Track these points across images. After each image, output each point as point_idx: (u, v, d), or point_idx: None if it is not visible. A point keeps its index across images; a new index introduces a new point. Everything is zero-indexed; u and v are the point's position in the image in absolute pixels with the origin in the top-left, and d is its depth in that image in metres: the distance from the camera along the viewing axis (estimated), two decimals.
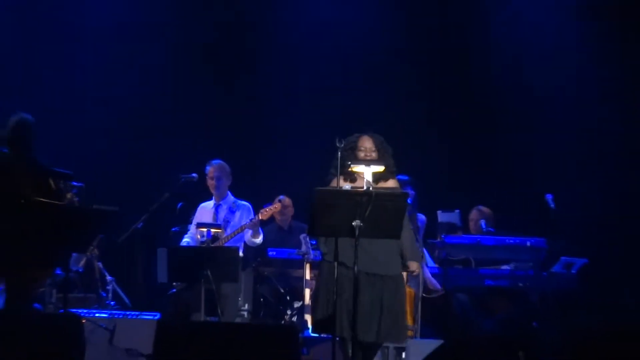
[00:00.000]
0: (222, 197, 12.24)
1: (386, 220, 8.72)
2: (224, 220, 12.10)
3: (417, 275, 11.20)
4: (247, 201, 12.30)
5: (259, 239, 12.09)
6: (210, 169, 12.20)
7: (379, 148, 9.34)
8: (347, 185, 9.05)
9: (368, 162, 9.15)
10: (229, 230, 11.90)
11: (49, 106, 14.10)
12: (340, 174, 9.11)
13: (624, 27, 14.14)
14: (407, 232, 9.29)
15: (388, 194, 8.81)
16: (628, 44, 14.10)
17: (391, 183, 9.40)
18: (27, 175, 9.41)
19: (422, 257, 11.94)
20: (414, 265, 9.44)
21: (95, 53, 14.89)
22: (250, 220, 11.87)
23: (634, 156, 13.85)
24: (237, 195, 12.39)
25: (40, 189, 9.41)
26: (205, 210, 12.29)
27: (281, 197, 13.00)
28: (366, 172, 9.16)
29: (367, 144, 9.31)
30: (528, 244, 12.22)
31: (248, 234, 11.93)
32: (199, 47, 15.06)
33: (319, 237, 10.38)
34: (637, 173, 13.79)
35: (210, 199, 12.31)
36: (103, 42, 14.96)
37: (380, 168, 9.14)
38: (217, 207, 12.24)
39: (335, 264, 8.85)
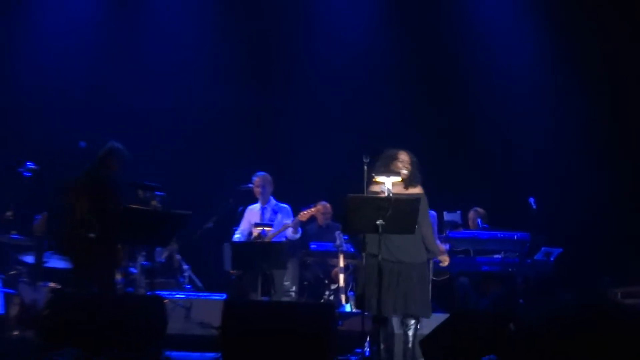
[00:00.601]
0: (266, 202, 12.29)
1: (403, 219, 8.73)
2: (269, 220, 12.17)
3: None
4: (287, 204, 12.36)
5: (297, 235, 12.16)
6: (255, 180, 12.28)
7: (412, 161, 9.34)
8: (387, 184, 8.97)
9: (389, 174, 9.16)
10: (274, 229, 11.96)
11: (135, 125, 14.19)
12: (378, 183, 9.08)
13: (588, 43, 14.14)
14: (429, 231, 9.32)
15: (404, 200, 8.82)
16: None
17: (418, 189, 9.33)
18: (94, 189, 9.45)
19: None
20: (445, 260, 9.68)
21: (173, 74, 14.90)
22: (292, 220, 11.95)
23: (601, 163, 13.78)
24: (281, 198, 12.45)
25: (124, 199, 9.49)
26: (253, 212, 12.35)
27: (323, 202, 13.05)
28: (387, 182, 9.17)
29: (404, 157, 9.31)
30: (515, 237, 12.16)
31: (289, 230, 11.99)
32: (251, 70, 14.98)
33: (351, 233, 10.45)
34: (603, 177, 13.73)
35: (256, 202, 12.37)
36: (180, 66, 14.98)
37: (397, 179, 9.14)
38: (262, 210, 12.28)
39: (364, 254, 8.92)
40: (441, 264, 9.55)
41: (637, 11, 13.72)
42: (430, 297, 9.34)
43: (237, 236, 12.26)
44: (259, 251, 11.17)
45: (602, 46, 14.02)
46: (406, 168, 9.26)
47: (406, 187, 9.26)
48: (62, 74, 14.31)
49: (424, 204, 9.23)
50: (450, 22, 14.94)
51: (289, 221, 12.01)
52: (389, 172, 9.12)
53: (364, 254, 9.00)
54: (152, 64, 14.85)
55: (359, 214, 8.77)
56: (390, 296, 8.88)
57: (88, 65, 14.51)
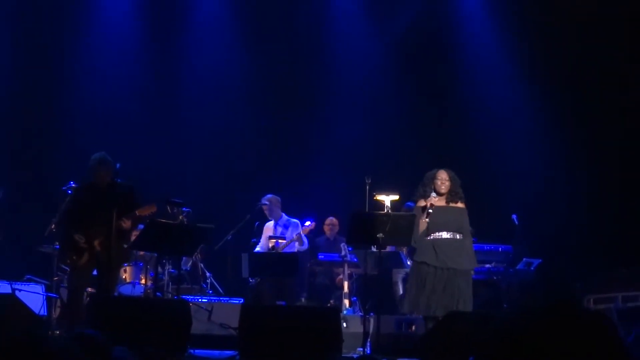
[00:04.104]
0: (277, 219, 12.38)
1: (400, 233, 8.80)
2: (281, 234, 12.24)
3: None
4: (297, 218, 12.42)
5: (304, 247, 12.22)
6: (263, 202, 12.36)
7: (451, 179, 9.22)
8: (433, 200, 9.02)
9: (388, 193, 9.21)
10: (284, 241, 12.07)
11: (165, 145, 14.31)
12: (424, 199, 9.07)
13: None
14: (470, 242, 9.34)
15: (401, 215, 8.90)
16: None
17: (460, 204, 9.25)
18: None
19: None
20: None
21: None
22: (297, 234, 12.03)
23: (575, 184, 13.81)
24: (296, 213, 12.52)
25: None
26: (268, 228, 12.45)
27: (330, 217, 13.14)
28: (386, 200, 9.22)
29: (443, 175, 9.19)
30: (500, 249, 12.23)
31: (296, 243, 12.08)
32: (272, 100, 15.02)
33: (355, 245, 10.47)
34: (577, 195, 13.75)
35: (271, 219, 12.46)
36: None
37: (396, 197, 9.22)
38: (275, 225, 12.38)
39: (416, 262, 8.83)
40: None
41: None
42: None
43: (257, 249, 12.34)
44: (272, 261, 11.27)
45: (570, 67, 14.10)
46: (444, 185, 9.15)
47: (447, 202, 9.21)
48: (101, 99, 14.38)
49: (466, 217, 9.24)
50: (447, 63, 15.03)
51: (294, 236, 12.11)
52: (431, 191, 9.08)
53: (416, 262, 9.05)
54: (182, 91, 14.95)
55: (361, 228, 8.83)
56: (446, 299, 8.88)
57: (125, 90, 14.55)
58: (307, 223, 12.21)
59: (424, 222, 8.99)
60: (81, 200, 9.42)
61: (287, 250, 11.91)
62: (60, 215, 9.79)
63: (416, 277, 9.06)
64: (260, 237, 12.57)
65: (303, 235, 12.10)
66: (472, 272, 9.54)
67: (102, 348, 3.56)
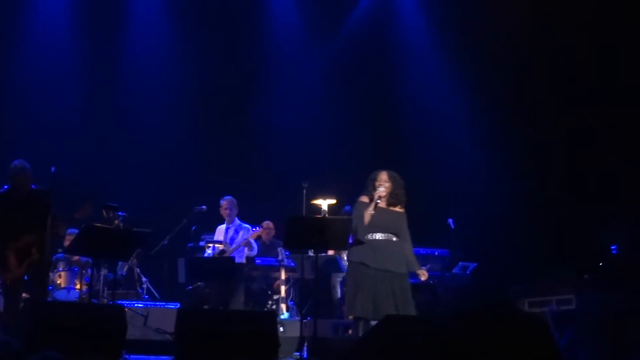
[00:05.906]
0: (231, 222, 12.27)
1: (336, 236, 8.80)
2: (231, 238, 12.15)
3: None
4: (248, 224, 12.34)
5: (252, 252, 12.13)
6: (223, 202, 12.21)
7: (392, 180, 9.05)
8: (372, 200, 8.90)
9: (325, 197, 9.20)
10: (233, 245, 11.99)
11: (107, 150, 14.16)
12: (367, 195, 8.97)
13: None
14: (409, 245, 9.19)
15: (337, 219, 8.88)
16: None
17: (398, 208, 9.11)
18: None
19: None
20: (424, 275, 9.26)
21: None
22: (244, 239, 11.94)
23: (511, 188, 13.94)
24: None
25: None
26: (219, 231, 12.33)
27: (266, 221, 13.08)
28: (323, 204, 9.20)
29: (382, 177, 9.03)
30: (436, 253, 12.30)
31: (246, 249, 11.98)
32: (208, 105, 15.08)
33: (292, 249, 10.45)
34: (512, 200, 13.89)
35: (223, 222, 12.33)
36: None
37: (333, 201, 9.21)
38: (227, 229, 12.26)
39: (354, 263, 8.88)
40: (422, 278, 9.31)
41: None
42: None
43: (208, 252, 12.26)
44: (209, 266, 11.22)
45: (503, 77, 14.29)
46: (383, 185, 8.99)
47: (387, 205, 9.06)
48: (35, 101, 14.21)
49: (404, 221, 9.12)
50: (384, 68, 15.11)
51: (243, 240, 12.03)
52: (372, 191, 8.98)
53: (354, 262, 8.94)
54: (117, 95, 14.85)
55: (298, 232, 8.82)
56: (383, 302, 8.76)
57: (59, 92, 14.42)
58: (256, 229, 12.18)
59: (368, 214, 8.85)
60: (4, 210, 9.22)
61: (235, 255, 11.86)
62: None
63: (354, 278, 8.93)
64: (197, 242, 12.50)
65: (252, 240, 12.02)
66: (425, 276, 9.40)
67: (16, 354, 3.48)
